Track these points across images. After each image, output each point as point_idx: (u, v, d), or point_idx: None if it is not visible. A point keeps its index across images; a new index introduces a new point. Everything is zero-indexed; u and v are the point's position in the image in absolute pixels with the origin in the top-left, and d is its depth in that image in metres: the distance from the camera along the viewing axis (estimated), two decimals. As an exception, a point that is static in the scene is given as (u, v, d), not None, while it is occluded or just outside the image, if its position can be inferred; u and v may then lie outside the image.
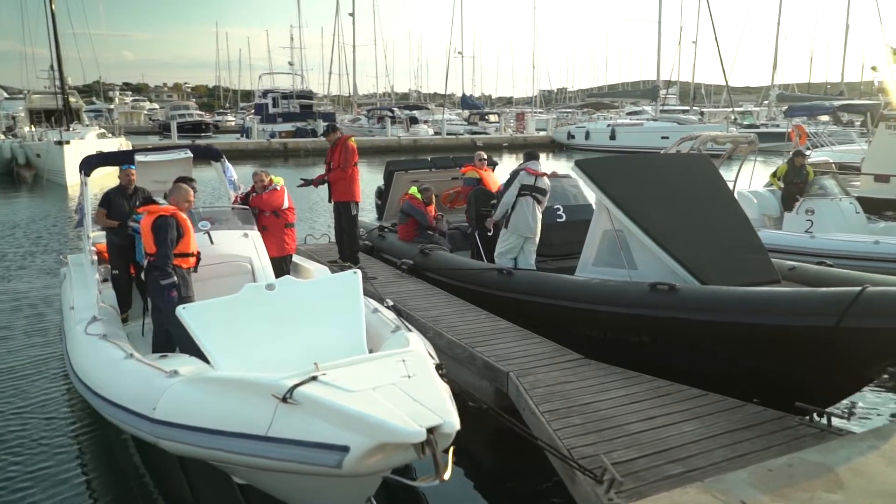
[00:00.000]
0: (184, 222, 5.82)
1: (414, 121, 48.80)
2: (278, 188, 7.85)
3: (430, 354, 4.56)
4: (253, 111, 53.41)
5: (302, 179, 9.75)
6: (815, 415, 4.48)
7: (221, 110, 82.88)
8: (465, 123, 52.94)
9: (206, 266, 6.92)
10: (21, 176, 27.20)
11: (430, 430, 3.16)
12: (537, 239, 7.90)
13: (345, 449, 3.30)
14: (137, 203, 7.98)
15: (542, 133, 50.30)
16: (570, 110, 65.66)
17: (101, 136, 29.67)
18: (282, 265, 7.43)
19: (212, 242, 7.08)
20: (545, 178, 7.93)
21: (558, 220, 8.67)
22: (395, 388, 3.52)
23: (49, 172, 25.12)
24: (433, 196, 10.89)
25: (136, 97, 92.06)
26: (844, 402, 5.39)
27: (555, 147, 46.26)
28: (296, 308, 4.93)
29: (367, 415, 3.26)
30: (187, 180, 8.27)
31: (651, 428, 4.44)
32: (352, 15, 52.41)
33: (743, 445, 4.18)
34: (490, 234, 9.29)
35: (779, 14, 41.85)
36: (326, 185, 9.46)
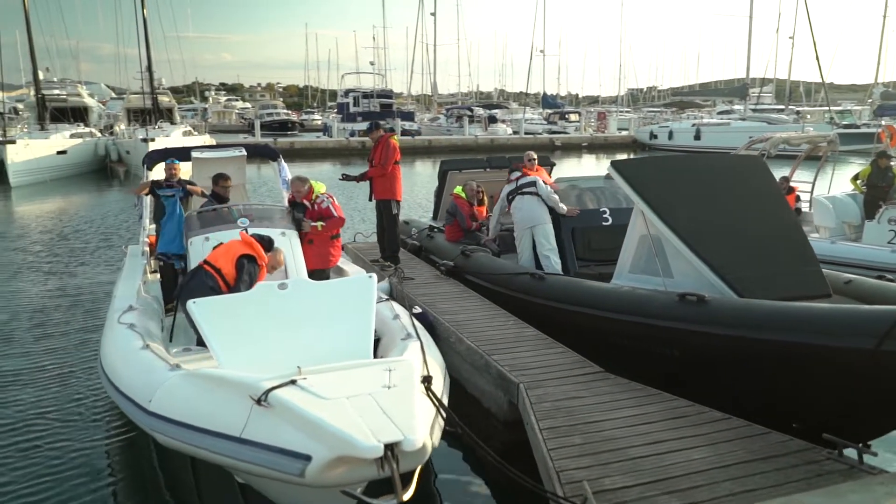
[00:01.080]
0: (262, 276, 5.81)
1: (493, 120, 48.50)
2: (328, 202, 7.52)
3: (430, 365, 4.34)
4: (336, 110, 54.59)
5: (343, 175, 9.70)
6: (845, 449, 3.99)
7: (309, 109, 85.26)
8: (545, 123, 52.20)
9: (240, 262, 7.01)
10: (114, 171, 28.78)
11: (391, 447, 2.97)
12: (547, 227, 7.97)
13: (307, 458, 3.18)
14: (180, 190, 8.23)
15: (624, 133, 48.97)
16: (657, 109, 63.70)
17: (187, 133, 30.97)
18: (322, 277, 6.97)
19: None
20: (530, 175, 8.28)
21: (604, 223, 8.27)
22: (370, 399, 3.36)
23: (136, 168, 26.42)
24: (484, 196, 10.68)
25: (231, 97, 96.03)
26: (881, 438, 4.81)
27: (636, 147, 44.93)
28: (306, 309, 4.85)
29: (330, 425, 3.11)
30: (223, 178, 8.42)
31: (656, 453, 4.07)
32: (433, 14, 52.69)
33: (755, 479, 3.77)
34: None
35: (885, 6, 39.06)
36: (369, 183, 9.38)
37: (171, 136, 27.46)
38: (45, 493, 4.86)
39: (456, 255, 9.07)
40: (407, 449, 2.97)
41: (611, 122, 51.40)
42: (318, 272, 7.05)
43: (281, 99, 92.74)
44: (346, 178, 9.78)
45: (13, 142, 23.72)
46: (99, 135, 31.26)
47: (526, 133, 46.56)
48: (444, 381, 4.43)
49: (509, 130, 47.26)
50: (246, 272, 5.47)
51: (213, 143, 34.07)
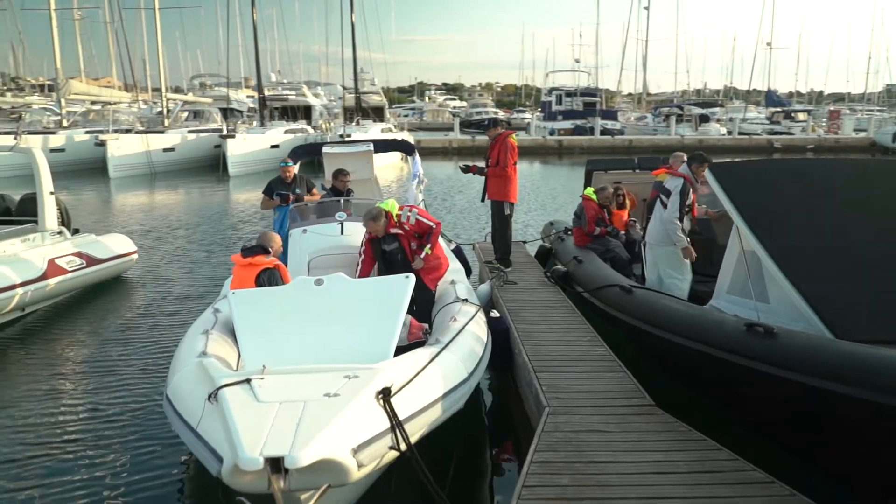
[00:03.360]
0: (284, 274, 5.77)
1: (705, 119, 45.19)
2: (414, 210, 6.52)
3: (420, 377, 4.01)
4: (539, 109, 54.47)
5: (464, 165, 9.46)
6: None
7: (520, 108, 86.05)
8: (768, 122, 47.49)
9: (331, 256, 7.18)
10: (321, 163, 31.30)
11: (275, 461, 2.80)
12: (669, 250, 6.85)
13: (220, 460, 3.13)
14: (297, 189, 8.65)
15: (862, 134, 42.98)
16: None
17: (386, 130, 32.76)
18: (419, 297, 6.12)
19: (342, 233, 7.30)
20: (670, 174, 7.11)
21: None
22: (300, 407, 3.20)
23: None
24: (626, 199, 9.93)
25: (449, 96, 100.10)
26: None
27: (875, 150, 39.20)
28: (338, 306, 4.81)
29: (236, 430, 3.02)
30: (342, 173, 8.69)
31: (649, 510, 3.44)
32: (647, 8, 50.32)
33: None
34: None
35: None
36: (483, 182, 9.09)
37: (369, 133, 29.18)
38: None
39: (569, 260, 8.56)
40: (289, 465, 2.78)
41: (845, 122, 45.39)
42: (421, 286, 6.31)
43: (492, 98, 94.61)
44: (467, 168, 9.57)
45: (233, 136, 26.82)
46: (312, 131, 34.16)
47: (741, 133, 42.72)
48: (425, 395, 4.02)
49: (723, 130, 43.71)
50: (269, 283, 5.49)
51: (410, 139, 35.81)
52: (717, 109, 52.47)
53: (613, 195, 9.65)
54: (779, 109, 49.05)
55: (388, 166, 29.86)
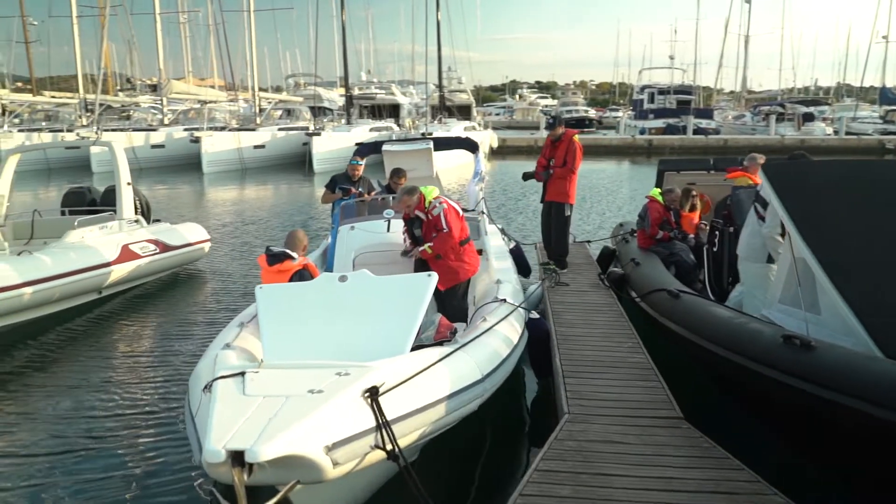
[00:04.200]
0: (314, 272, 5.71)
1: (809, 118, 42.60)
2: (444, 206, 6.27)
3: (419, 377, 3.86)
4: (631, 107, 53.07)
5: (526, 172, 9.28)
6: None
7: (614, 106, 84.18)
8: (881, 122, 44.29)
9: (376, 252, 7.22)
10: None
11: (238, 454, 2.81)
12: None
13: (200, 451, 3.18)
14: (360, 189, 8.73)
15: None
16: None
17: (469, 129, 32.78)
18: (454, 294, 6.21)
19: (388, 230, 7.32)
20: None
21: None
22: (281, 402, 3.20)
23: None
24: (698, 201, 9.47)
25: (541, 94, 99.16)
26: None
27: None
28: (360, 302, 4.80)
29: (211, 422, 3.05)
30: (398, 173, 8.70)
31: (647, 530, 3.24)
32: (748, 2, 47.96)
33: None
34: (716, 249, 7.78)
35: None
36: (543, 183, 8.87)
37: (451, 131, 29.28)
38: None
39: (627, 262, 8.25)
40: (249, 459, 2.77)
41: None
42: (450, 289, 6.21)
43: (584, 96, 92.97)
44: (528, 176, 9.39)
45: (319, 134, 27.56)
46: (398, 129, 34.63)
47: (849, 133, 40.05)
48: (423, 396, 3.89)
49: (829, 130, 41.11)
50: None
51: (494, 138, 35.69)
52: (824, 108, 49.43)
53: (685, 197, 9.21)
54: (894, 108, 45.65)
55: (465, 165, 29.91)
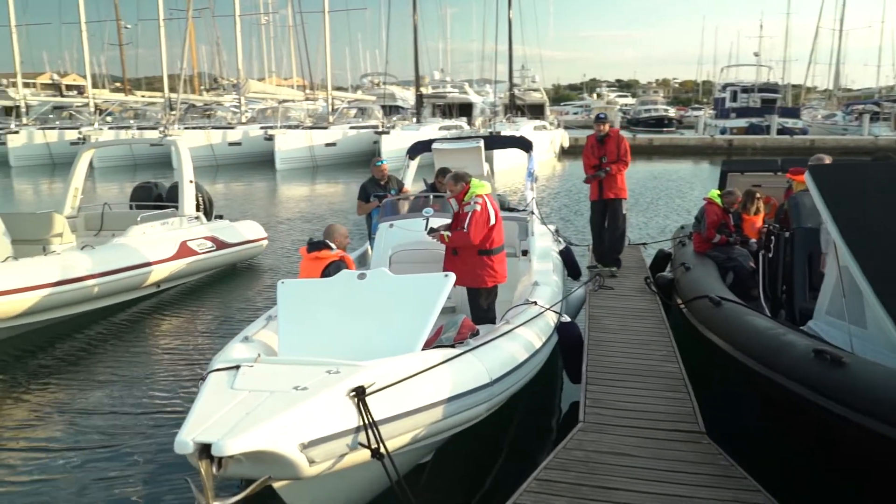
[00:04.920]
0: (350, 265, 5.72)
1: (907, 117, 40.01)
2: (478, 208, 5.95)
3: (416, 379, 3.76)
4: (712, 106, 51.27)
5: (591, 176, 8.96)
6: None
7: (697, 105, 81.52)
8: None
9: (412, 251, 7.22)
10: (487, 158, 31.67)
11: (205, 447, 2.83)
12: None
13: None
14: (392, 191, 8.74)
15: None
16: None
17: (539, 128, 32.44)
18: (477, 297, 6.10)
19: (426, 229, 7.29)
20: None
21: None
22: (264, 397, 3.22)
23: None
24: (761, 204, 9.03)
25: (621, 93, 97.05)
26: None
27: None
28: (377, 300, 4.80)
29: (191, 415, 3.10)
30: (443, 173, 8.65)
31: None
32: (841, -6, 45.45)
33: None
34: (771, 255, 7.38)
35: None
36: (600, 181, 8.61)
37: (520, 130, 29.04)
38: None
39: (678, 266, 7.95)
40: (214, 453, 2.79)
41: None
42: (472, 291, 6.13)
43: (666, 94, 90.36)
44: (592, 178, 9.09)
45: (387, 132, 27.90)
46: (467, 127, 34.64)
47: (950, 134, 37.39)
48: (419, 397, 3.76)
49: (929, 130, 38.50)
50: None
51: (566, 137, 35.16)
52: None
53: (749, 199, 8.79)
54: None
55: (540, 164, 29.62)
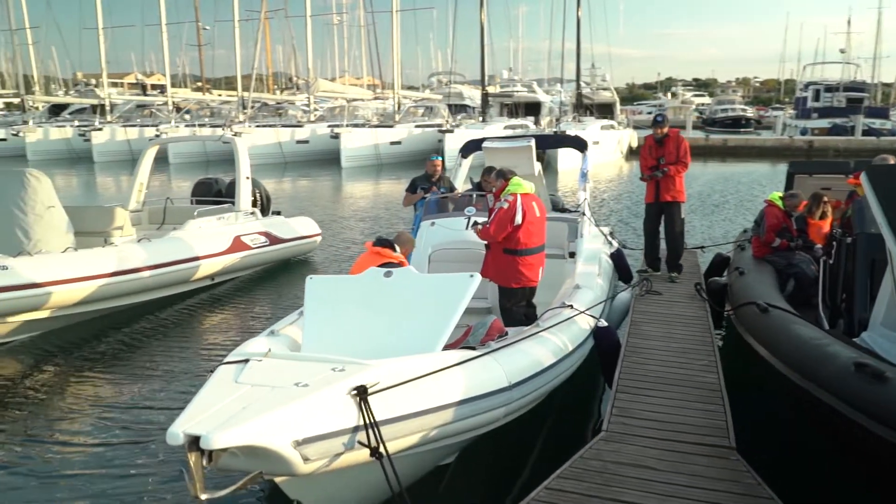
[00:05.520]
0: None
1: None
2: (505, 205, 5.90)
3: (425, 380, 3.70)
4: (793, 106, 49.09)
5: (648, 175, 8.67)
6: None
7: (778, 105, 78.30)
8: None
9: (452, 250, 7.17)
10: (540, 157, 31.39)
11: (195, 440, 2.83)
12: None
13: None
14: (442, 189, 8.69)
15: None
16: None
17: (607, 127, 31.80)
18: (510, 296, 6.01)
19: (467, 228, 7.21)
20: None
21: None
22: (264, 392, 3.23)
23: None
24: (829, 208, 8.55)
25: (698, 92, 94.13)
26: None
27: None
28: (401, 299, 4.77)
29: (189, 406, 3.13)
30: (489, 172, 8.54)
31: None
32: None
33: None
34: (832, 262, 6.96)
35: None
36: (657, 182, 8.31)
37: (587, 129, 28.56)
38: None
39: (732, 271, 7.60)
40: (203, 446, 2.78)
41: None
42: (501, 290, 6.10)
43: (745, 94, 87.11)
44: (650, 177, 8.78)
45: (451, 131, 27.91)
46: (533, 126, 34.31)
47: None
48: (427, 399, 3.66)
49: None
50: None
51: (634, 136, 34.34)
52: None
53: (815, 203, 8.33)
54: None
55: (606, 164, 29.08)
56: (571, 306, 5.72)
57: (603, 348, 5.78)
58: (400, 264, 5.61)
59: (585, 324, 5.61)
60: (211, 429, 2.82)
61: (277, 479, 3.44)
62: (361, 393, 3.27)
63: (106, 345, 7.46)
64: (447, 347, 4.73)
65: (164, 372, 6.63)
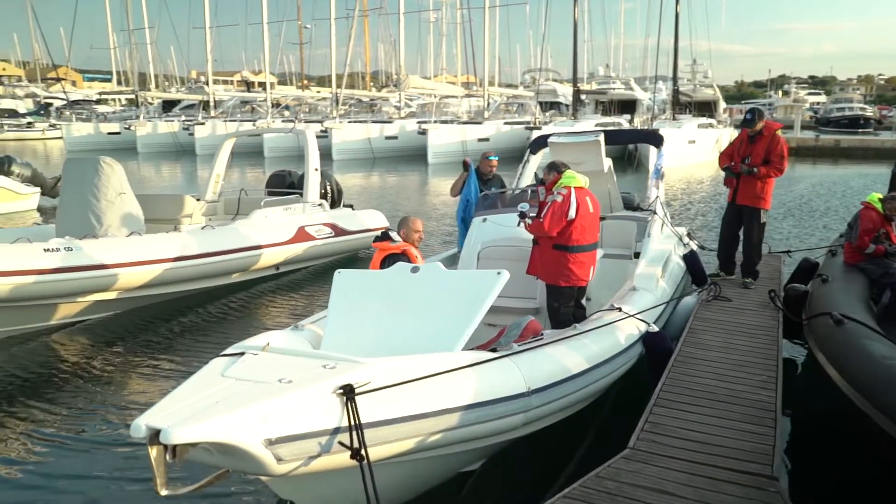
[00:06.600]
0: (413, 259, 5.47)
1: None
2: (559, 198, 5.65)
3: (427, 381, 3.47)
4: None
5: (725, 170, 8.04)
6: None
7: (903, 104, 72.59)
8: None
9: (501, 247, 6.90)
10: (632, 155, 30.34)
11: (156, 433, 2.70)
12: None
13: None
14: (493, 188, 8.39)
15: None
16: None
17: (704, 125, 30.43)
18: (557, 294, 5.72)
19: (518, 225, 6.92)
20: None
21: None
22: (245, 387, 3.09)
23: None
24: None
25: (812, 90, 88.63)
26: None
27: None
28: (427, 295, 4.58)
29: (167, 398, 3.01)
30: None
31: None
32: None
33: None
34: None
35: None
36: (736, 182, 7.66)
37: (682, 128, 27.34)
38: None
39: (816, 278, 6.93)
40: (162, 440, 2.64)
41: None
42: (548, 288, 5.80)
43: (867, 92, 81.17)
44: (725, 175, 8.15)
45: (539, 128, 27.46)
46: (626, 124, 33.20)
47: None
48: (428, 402, 3.42)
49: None
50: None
51: (733, 135, 32.58)
52: None
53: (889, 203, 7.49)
54: None
55: (702, 163, 27.72)
56: (620, 309, 5.33)
57: (653, 356, 5.37)
58: (403, 253, 5.43)
59: (632, 329, 5.21)
60: (173, 423, 2.69)
61: (265, 479, 3.31)
62: (348, 392, 3.07)
63: (171, 328, 7.69)
64: (477, 348, 4.49)
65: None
